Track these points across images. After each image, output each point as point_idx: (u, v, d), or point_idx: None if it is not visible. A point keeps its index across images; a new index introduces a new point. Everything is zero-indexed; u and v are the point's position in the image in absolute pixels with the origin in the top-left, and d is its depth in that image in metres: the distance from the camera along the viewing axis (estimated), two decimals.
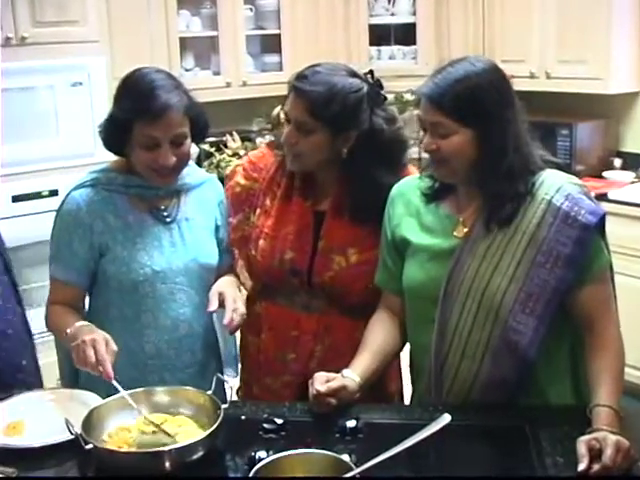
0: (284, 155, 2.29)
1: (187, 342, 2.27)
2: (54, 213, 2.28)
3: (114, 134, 2.16)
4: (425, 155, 2.03)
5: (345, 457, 1.66)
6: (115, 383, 1.90)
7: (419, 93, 1.97)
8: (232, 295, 2.21)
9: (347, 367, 2.04)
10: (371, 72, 2.27)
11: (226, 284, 2.28)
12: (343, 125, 2.17)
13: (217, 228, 2.37)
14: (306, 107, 2.15)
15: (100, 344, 1.94)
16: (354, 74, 2.23)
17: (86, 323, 2.09)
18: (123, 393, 1.90)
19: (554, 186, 1.96)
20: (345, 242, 2.25)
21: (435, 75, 1.95)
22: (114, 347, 1.96)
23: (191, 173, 2.34)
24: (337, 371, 2.01)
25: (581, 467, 1.65)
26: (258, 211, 2.34)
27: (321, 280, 2.25)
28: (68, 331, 2.05)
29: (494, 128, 1.92)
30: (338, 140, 2.19)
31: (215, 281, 2.30)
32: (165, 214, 2.26)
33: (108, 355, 1.94)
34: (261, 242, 2.30)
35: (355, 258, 2.24)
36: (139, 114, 2.10)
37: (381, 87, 2.26)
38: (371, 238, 2.21)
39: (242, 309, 2.18)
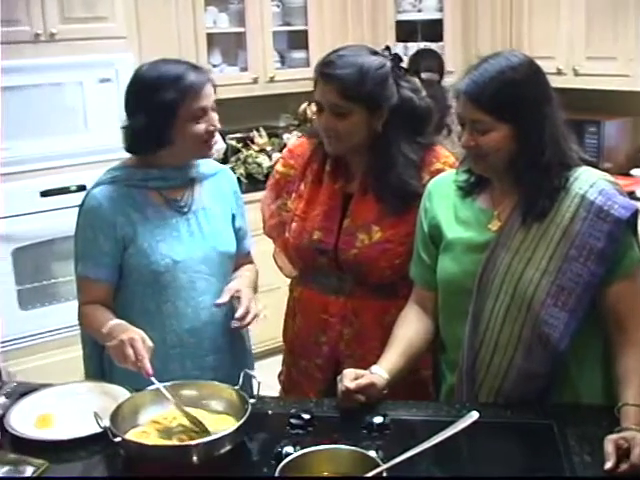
0: (319, 142, 2.35)
1: (208, 329, 2.30)
2: None
3: (157, 128, 2.18)
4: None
5: (372, 453, 1.66)
6: (153, 379, 1.93)
7: (456, 90, 1.97)
8: (248, 296, 2.26)
9: (376, 350, 2.05)
10: (387, 48, 2.34)
11: (244, 285, 2.32)
12: (377, 101, 2.22)
13: (233, 217, 2.42)
14: (339, 91, 2.20)
15: (138, 342, 1.99)
16: (375, 52, 2.30)
17: (119, 321, 2.12)
18: (160, 387, 1.91)
19: (588, 181, 1.95)
20: (369, 220, 2.28)
21: (471, 71, 1.95)
22: (150, 344, 2.01)
23: (204, 163, 2.38)
24: (366, 353, 2.01)
25: (608, 466, 1.65)
26: (293, 196, 2.41)
27: (346, 258, 2.29)
28: (104, 330, 2.09)
29: (532, 123, 1.92)
30: (374, 117, 2.23)
31: (236, 268, 2.40)
32: (182, 204, 2.30)
33: (145, 352, 1.98)
34: (293, 224, 2.37)
35: (378, 236, 2.27)
36: (185, 93, 2.17)
37: (400, 60, 2.32)
38: (395, 216, 2.25)
39: (255, 310, 2.23)
